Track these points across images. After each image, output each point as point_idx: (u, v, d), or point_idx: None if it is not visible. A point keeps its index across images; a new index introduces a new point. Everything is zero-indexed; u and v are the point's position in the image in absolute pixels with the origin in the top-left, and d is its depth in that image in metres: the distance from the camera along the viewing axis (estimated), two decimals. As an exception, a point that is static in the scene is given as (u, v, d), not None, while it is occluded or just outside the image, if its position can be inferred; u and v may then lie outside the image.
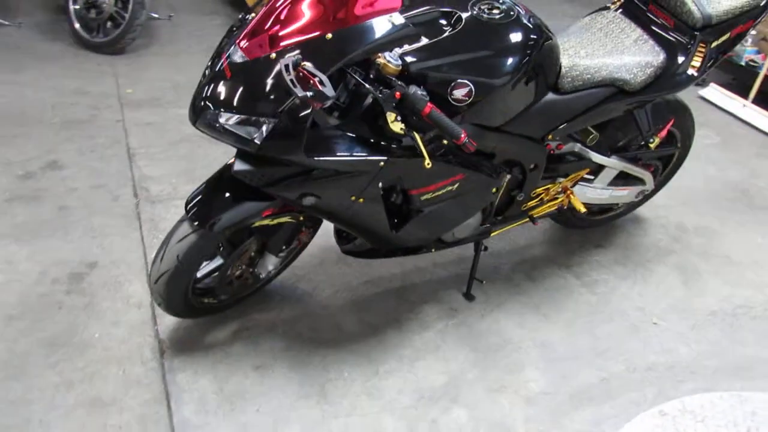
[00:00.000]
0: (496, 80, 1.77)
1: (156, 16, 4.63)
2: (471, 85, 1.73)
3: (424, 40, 1.76)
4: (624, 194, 2.53)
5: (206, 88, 1.63)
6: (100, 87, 3.75)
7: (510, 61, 1.79)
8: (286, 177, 1.69)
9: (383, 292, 2.44)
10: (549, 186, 2.31)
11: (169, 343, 2.14)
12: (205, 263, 2.08)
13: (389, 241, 2.05)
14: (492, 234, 2.34)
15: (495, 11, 1.84)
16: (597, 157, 2.30)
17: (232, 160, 1.71)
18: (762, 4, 2.15)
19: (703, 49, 2.10)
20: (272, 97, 1.54)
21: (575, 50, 2.09)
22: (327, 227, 2.17)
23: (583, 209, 2.32)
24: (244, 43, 1.61)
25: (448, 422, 1.97)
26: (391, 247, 2.14)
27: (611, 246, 2.77)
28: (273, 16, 1.59)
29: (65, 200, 2.77)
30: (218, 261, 2.05)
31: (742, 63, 4.14)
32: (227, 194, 1.81)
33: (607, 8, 2.33)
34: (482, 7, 1.84)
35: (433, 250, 2.22)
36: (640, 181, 2.52)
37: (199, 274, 2.07)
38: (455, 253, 2.59)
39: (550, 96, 1.99)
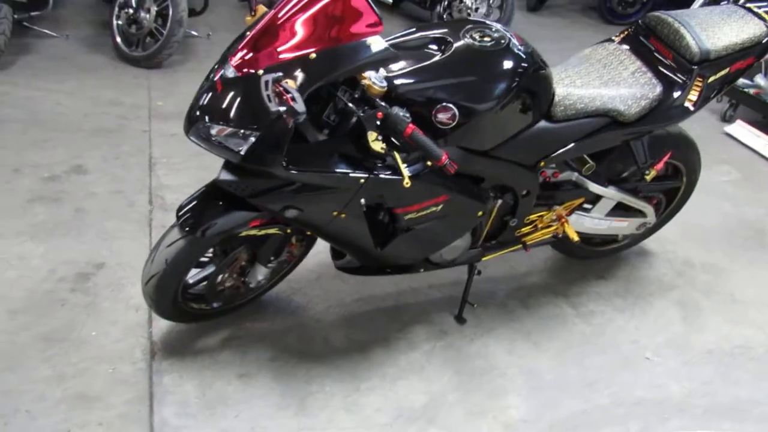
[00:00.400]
0: (480, 105, 1.80)
1: (195, 33, 4.81)
2: (455, 108, 1.78)
3: (412, 64, 1.82)
4: (624, 226, 2.51)
5: (199, 101, 1.72)
6: (133, 98, 3.91)
7: (495, 87, 1.82)
8: (269, 189, 1.76)
9: (375, 310, 2.47)
10: (543, 213, 2.32)
11: (161, 346, 2.21)
12: (198, 270, 2.15)
13: (375, 258, 2.09)
14: (484, 258, 2.35)
15: (486, 38, 1.88)
16: (594, 187, 2.30)
17: None
18: (764, 42, 2.13)
19: (700, 84, 2.09)
20: (256, 111, 1.61)
21: (571, 80, 2.11)
22: (325, 243, 2.21)
23: (576, 238, 2.32)
24: (235, 60, 1.69)
25: (422, 442, 1.98)
26: (379, 264, 2.18)
27: (613, 278, 2.74)
28: (263, 36, 1.67)
29: (83, 203, 2.89)
30: (210, 268, 2.12)
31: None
32: (217, 203, 1.88)
33: (611, 40, 2.34)
34: (474, 35, 1.89)
35: (422, 270, 2.25)
36: (640, 213, 2.50)
37: (191, 281, 2.15)
38: (451, 276, 2.60)
39: (543, 124, 2.02)
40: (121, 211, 2.88)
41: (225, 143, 1.66)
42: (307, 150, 1.74)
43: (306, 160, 1.70)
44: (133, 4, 4.22)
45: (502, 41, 1.88)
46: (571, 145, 2.09)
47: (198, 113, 1.70)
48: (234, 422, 1.98)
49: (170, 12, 4.11)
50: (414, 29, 1.99)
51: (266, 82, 1.51)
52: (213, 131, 1.67)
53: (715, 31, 2.12)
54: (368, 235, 1.96)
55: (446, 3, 5.13)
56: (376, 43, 1.60)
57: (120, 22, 4.34)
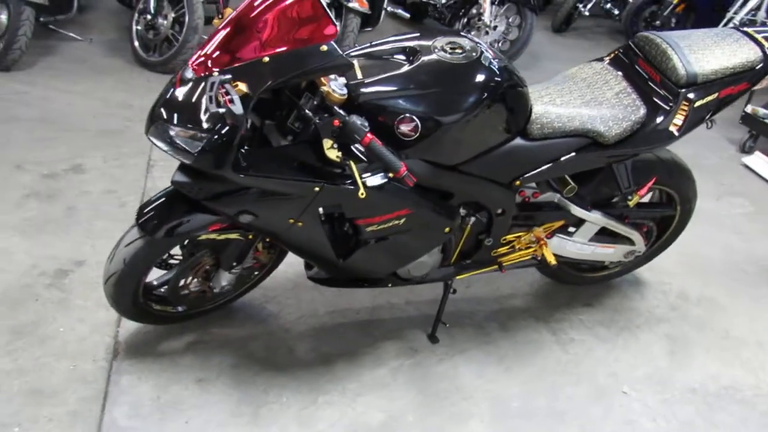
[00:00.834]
0: (444, 118, 1.76)
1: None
2: (417, 120, 1.74)
3: (377, 73, 1.79)
4: (609, 252, 2.42)
5: (159, 102, 1.71)
6: (143, 102, 3.97)
7: (460, 100, 1.78)
8: (224, 193, 1.74)
9: (348, 323, 2.42)
10: (521, 234, 2.24)
11: (125, 346, 2.20)
12: (164, 272, 2.15)
13: (339, 270, 2.05)
14: (459, 277, 2.29)
15: (457, 51, 1.84)
16: (576, 210, 2.22)
17: None
18: (758, 68, 2.04)
19: (686, 108, 2.01)
20: (208, 113, 1.59)
21: (551, 97, 2.05)
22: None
23: (554, 262, 2.23)
24: (194, 62, 1.69)
25: (371, 462, 1.92)
26: (345, 276, 2.14)
27: (600, 306, 2.64)
28: (222, 39, 1.66)
29: (76, 201, 2.93)
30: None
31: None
32: (178, 205, 1.88)
33: (600, 60, 2.27)
34: (445, 47, 1.85)
35: (390, 285, 2.20)
36: (627, 240, 2.40)
37: (156, 282, 2.15)
38: (431, 293, 2.54)
39: (518, 141, 1.96)
40: (112, 211, 2.90)
41: (180, 144, 1.65)
42: (264, 155, 1.72)
43: (260, 166, 1.68)
44: (152, 11, 4.30)
45: (473, 54, 1.83)
46: (548, 164, 2.02)
47: (157, 113, 1.70)
48: (182, 427, 1.95)
49: (186, 19, 4.17)
50: (390, 39, 1.96)
51: (212, 84, 1.49)
52: (172, 132, 1.67)
53: (705, 54, 2.04)
54: (328, 245, 1.92)
55: (465, 20, 5.10)
56: (329, 50, 1.57)
57: (139, 28, 4.43)
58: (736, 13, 5.17)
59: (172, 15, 4.27)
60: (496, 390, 2.20)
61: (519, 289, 2.70)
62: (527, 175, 2.03)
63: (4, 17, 4.04)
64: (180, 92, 1.67)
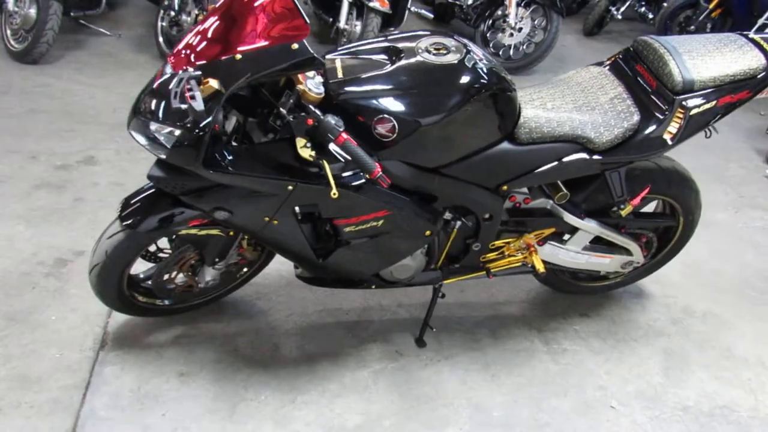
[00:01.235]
0: (421, 119, 1.73)
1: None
2: (394, 121, 1.71)
3: (356, 73, 1.78)
4: (605, 262, 2.35)
5: (140, 98, 1.73)
6: (162, 97, 4.03)
7: (438, 102, 1.75)
8: (199, 189, 1.75)
9: (335, 324, 2.41)
10: (511, 240, 2.20)
11: (113, 337, 2.24)
12: (153, 265, 2.17)
13: (319, 269, 2.04)
14: (447, 281, 2.26)
15: (442, 51, 1.81)
16: (569, 218, 2.17)
17: None
18: (760, 77, 1.95)
19: (681, 116, 1.93)
20: (173, 109, 1.60)
21: (542, 101, 2.00)
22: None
23: (542, 269, 2.18)
24: (173, 58, 1.70)
25: (342, 465, 1.90)
26: (328, 276, 2.13)
27: (598, 317, 2.57)
28: (199, 35, 1.67)
29: (84, 192, 2.99)
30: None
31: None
32: (159, 200, 1.89)
33: (600, 64, 2.21)
34: (429, 48, 1.82)
35: (374, 286, 2.18)
36: (624, 250, 2.33)
37: (142, 275, 2.17)
38: (424, 297, 2.50)
39: (505, 145, 1.92)
40: (116, 202, 2.94)
41: (156, 139, 1.66)
42: (239, 152, 1.72)
43: (233, 162, 1.68)
44: (176, 7, 4.37)
45: (457, 56, 1.80)
46: (536, 170, 1.98)
47: (138, 107, 1.71)
48: (159, 420, 1.97)
49: (207, 16, 4.22)
50: (377, 39, 1.94)
51: (179, 80, 1.50)
52: (152, 127, 1.68)
53: (705, 60, 1.96)
54: (306, 244, 1.92)
55: (490, 22, 5.04)
56: (300, 48, 1.56)
57: (163, 24, 4.50)
58: None
59: (195, 12, 4.33)
60: (478, 398, 2.16)
61: (515, 296, 2.64)
62: (514, 180, 1.99)
63: (33, 12, 4.15)
64: (158, 87, 1.69)
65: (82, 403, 1.99)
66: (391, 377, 2.21)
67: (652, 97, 1.99)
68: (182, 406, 2.03)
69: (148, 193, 1.93)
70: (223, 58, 1.60)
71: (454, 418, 2.08)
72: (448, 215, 2.05)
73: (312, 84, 1.68)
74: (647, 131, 1.96)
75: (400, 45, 1.85)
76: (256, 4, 1.61)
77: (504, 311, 2.56)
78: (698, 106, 1.93)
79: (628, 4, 5.89)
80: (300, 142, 1.69)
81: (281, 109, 1.66)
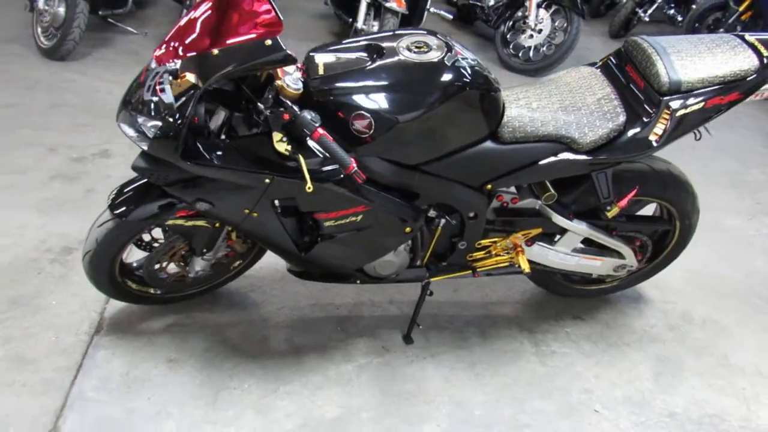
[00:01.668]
0: (397, 116, 1.75)
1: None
2: (371, 117, 1.74)
3: (336, 69, 1.80)
4: (596, 265, 2.33)
5: (128, 91, 1.80)
6: (182, 94, 4.13)
7: (414, 100, 1.76)
8: (181, 180, 1.80)
9: (326, 318, 2.44)
10: (498, 239, 2.20)
11: (108, 323, 2.31)
12: (147, 254, 2.24)
13: (303, 262, 2.08)
14: (434, 279, 2.27)
15: (423, 50, 1.83)
16: (557, 219, 2.16)
17: None
18: (750, 79, 1.91)
19: (667, 117, 1.90)
20: (160, 102, 1.66)
21: (527, 101, 2.00)
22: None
23: (527, 269, 2.18)
24: (157, 52, 1.76)
25: (316, 455, 1.93)
26: (314, 270, 2.17)
27: (592, 320, 2.54)
28: (181, 31, 1.72)
29: (96, 184, 3.09)
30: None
31: None
32: (148, 191, 1.95)
33: (593, 64, 2.19)
34: (410, 46, 1.84)
35: (358, 281, 2.20)
36: (616, 253, 2.31)
37: (135, 263, 2.24)
38: (417, 294, 2.50)
39: (488, 144, 1.92)
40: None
41: (140, 131, 1.72)
42: (219, 145, 1.76)
43: (212, 155, 1.72)
44: (197, 7, 4.46)
45: (437, 54, 1.81)
46: (520, 169, 1.97)
47: (125, 100, 1.78)
48: (143, 403, 2.03)
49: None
50: (361, 37, 1.96)
51: (155, 74, 1.55)
52: (140, 119, 1.74)
53: (693, 61, 1.93)
54: (286, 237, 1.95)
55: (511, 23, 5.01)
56: (273, 44, 1.60)
57: (186, 23, 4.60)
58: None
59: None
60: (460, 396, 2.17)
61: (509, 296, 2.64)
62: (498, 179, 1.99)
63: (62, 10, 4.30)
64: (143, 81, 1.75)
65: (72, 385, 2.07)
66: (375, 372, 2.23)
67: (640, 97, 1.97)
68: (168, 391, 2.08)
69: (138, 183, 1.99)
70: (201, 53, 1.65)
71: (434, 415, 2.09)
72: (432, 213, 2.07)
73: (290, 80, 1.71)
74: (633, 132, 1.94)
75: (383, 43, 1.87)
76: (233, 1, 1.65)
77: (496, 311, 2.56)
78: (685, 108, 1.90)
79: (656, 6, 5.79)
80: (276, 136, 1.73)
81: (259, 103, 1.70)
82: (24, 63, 4.37)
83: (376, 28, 4.54)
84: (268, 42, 1.60)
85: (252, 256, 2.36)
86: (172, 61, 1.69)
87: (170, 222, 2.01)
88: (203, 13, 1.71)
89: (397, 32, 1.93)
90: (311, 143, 1.72)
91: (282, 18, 1.61)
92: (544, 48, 4.92)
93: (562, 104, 1.99)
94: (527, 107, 1.97)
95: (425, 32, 1.92)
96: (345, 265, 2.10)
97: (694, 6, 5.63)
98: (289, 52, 1.60)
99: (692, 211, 2.31)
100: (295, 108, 1.66)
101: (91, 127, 3.60)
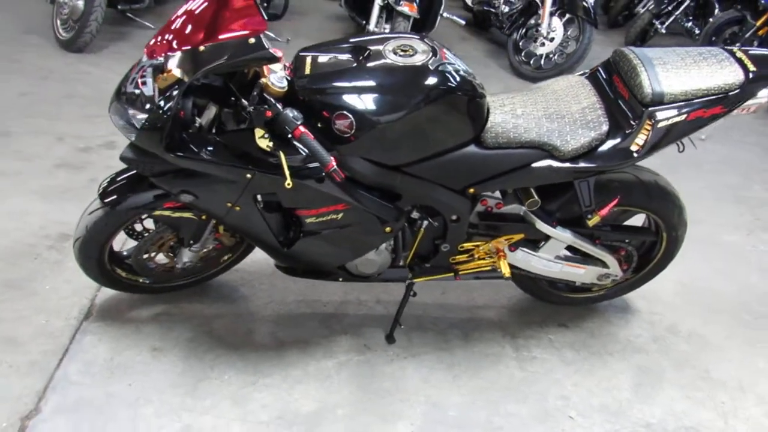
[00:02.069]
0: (378, 118, 1.78)
1: (273, 36, 5.07)
2: (352, 117, 1.77)
3: (321, 69, 1.84)
4: (579, 273, 2.33)
5: (120, 83, 1.85)
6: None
7: (395, 101, 1.79)
8: (166, 171, 1.85)
9: (312, 314, 2.48)
10: (480, 243, 2.22)
11: (98, 309, 2.37)
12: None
13: (285, 257, 2.12)
14: (417, 280, 2.29)
15: (409, 53, 1.86)
16: (541, 225, 2.17)
17: None
18: (732, 93, 1.91)
19: (649, 128, 1.91)
20: (141, 95, 1.71)
21: (512, 107, 2.02)
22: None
23: (508, 274, 2.19)
24: (149, 47, 1.81)
25: (288, 447, 1.97)
26: (298, 266, 2.20)
27: (576, 328, 2.54)
28: (172, 26, 1.77)
29: (99, 174, 3.16)
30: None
31: None
32: (138, 181, 2.01)
33: (583, 73, 2.21)
34: (396, 49, 1.87)
35: (341, 279, 2.24)
36: (600, 262, 2.31)
37: (126, 252, 2.30)
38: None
39: (471, 149, 1.95)
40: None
41: (129, 122, 1.78)
42: (204, 138, 1.81)
43: (198, 149, 1.77)
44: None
45: (421, 58, 1.84)
46: (502, 174, 1.99)
47: (116, 95, 1.83)
48: (124, 389, 2.08)
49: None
50: (350, 38, 2.00)
51: (140, 68, 1.60)
52: (130, 111, 1.80)
53: (678, 74, 1.93)
54: (269, 232, 2.00)
55: (524, 31, 5.02)
56: (256, 42, 1.64)
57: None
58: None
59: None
60: (437, 396, 2.19)
61: (495, 301, 2.65)
62: (481, 183, 2.01)
63: (80, 3, 4.41)
64: (134, 76, 1.80)
65: (57, 367, 2.13)
66: (355, 369, 2.26)
67: (623, 107, 1.98)
68: (149, 378, 2.13)
69: (129, 174, 2.05)
70: (188, 49, 1.70)
71: (408, 414, 2.12)
72: (415, 214, 2.10)
73: (275, 78, 1.75)
74: (614, 142, 1.95)
75: (370, 45, 1.90)
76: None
77: (481, 315, 2.57)
78: (667, 119, 1.90)
79: (673, 18, 5.75)
80: (258, 132, 1.77)
81: (243, 100, 1.74)
82: (41, 53, 4.48)
83: (387, 31, 4.57)
84: (252, 40, 1.65)
85: (241, 250, 2.41)
86: (157, 56, 1.74)
87: (158, 213, 2.06)
88: (193, 10, 1.76)
89: (386, 35, 1.97)
90: (293, 140, 1.76)
91: (266, 18, 1.65)
92: (556, 56, 4.92)
93: (546, 112, 2.01)
94: (512, 113, 1.99)
95: (416, 37, 1.95)
96: (326, 262, 2.14)
97: (711, 19, 5.58)
98: (271, 50, 1.65)
99: (679, 223, 2.31)
100: (278, 106, 1.70)
101: (100, 119, 3.67)
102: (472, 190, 2.03)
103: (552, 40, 4.86)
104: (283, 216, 2.04)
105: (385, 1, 4.51)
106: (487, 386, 2.25)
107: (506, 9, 5.22)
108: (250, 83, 1.83)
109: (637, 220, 2.42)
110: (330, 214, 1.94)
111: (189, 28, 1.74)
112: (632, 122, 1.94)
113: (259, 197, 1.92)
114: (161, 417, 2.01)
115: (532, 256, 2.27)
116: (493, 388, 2.25)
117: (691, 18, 5.94)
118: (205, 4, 1.73)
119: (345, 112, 1.77)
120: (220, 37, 1.67)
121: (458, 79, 1.85)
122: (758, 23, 5.20)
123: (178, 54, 1.70)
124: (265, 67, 1.75)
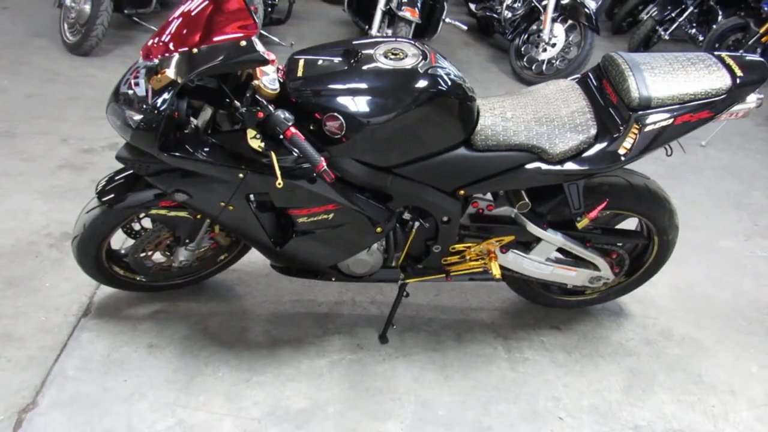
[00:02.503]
0: (367, 119, 1.81)
1: (277, 40, 5.15)
2: (342, 119, 1.80)
3: (313, 72, 1.88)
4: (570, 275, 2.36)
5: (117, 85, 1.90)
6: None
7: (384, 104, 1.82)
8: (160, 171, 1.89)
9: (306, 314, 2.51)
10: (471, 245, 2.24)
11: (96, 306, 2.41)
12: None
13: (278, 257, 2.15)
14: (409, 281, 2.32)
15: (400, 57, 1.89)
16: (531, 227, 2.19)
17: None
18: (719, 98, 1.93)
19: (636, 132, 1.93)
20: (134, 95, 1.76)
21: (502, 111, 2.04)
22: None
23: (498, 275, 2.22)
24: (145, 49, 1.85)
25: (279, 443, 2.00)
26: (291, 265, 2.24)
27: (569, 331, 2.56)
28: (167, 29, 1.81)
29: (101, 175, 3.14)
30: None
31: None
32: (134, 180, 2.05)
33: (574, 78, 2.23)
34: (387, 53, 1.90)
35: (333, 279, 2.27)
36: (591, 265, 2.33)
37: (123, 250, 2.34)
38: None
39: (461, 151, 1.98)
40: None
41: (125, 122, 1.82)
42: (198, 139, 1.85)
43: (192, 149, 1.81)
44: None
45: (411, 61, 1.87)
46: (491, 177, 2.02)
47: (113, 96, 1.88)
48: (119, 384, 2.12)
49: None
50: (343, 41, 2.04)
51: (135, 68, 1.65)
52: (126, 112, 1.84)
53: (666, 78, 1.96)
54: (262, 231, 2.03)
55: (526, 36, 5.05)
56: (247, 45, 1.68)
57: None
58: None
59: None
60: (427, 396, 2.21)
61: (489, 303, 2.68)
62: (471, 185, 2.04)
63: (87, 7, 4.48)
64: (131, 77, 1.85)
65: (55, 363, 2.17)
66: (347, 368, 2.29)
67: (611, 112, 2.00)
68: (144, 374, 2.17)
69: (126, 173, 2.09)
70: (181, 51, 1.74)
71: (398, 412, 2.14)
72: (407, 215, 2.13)
73: (267, 80, 1.79)
74: (602, 145, 1.97)
75: (362, 49, 1.94)
76: (214, 2, 1.74)
77: (474, 316, 2.60)
78: (653, 123, 1.93)
79: (676, 24, 5.77)
80: (250, 133, 1.81)
81: (236, 101, 1.78)
82: (48, 56, 4.55)
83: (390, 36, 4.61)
84: (243, 43, 1.69)
85: (237, 250, 2.44)
86: (153, 58, 1.78)
87: (153, 212, 2.10)
88: (188, 12, 1.80)
89: (378, 39, 2.00)
90: (285, 141, 1.79)
91: (258, 21, 1.69)
92: (557, 62, 4.95)
93: (536, 115, 2.03)
94: (501, 116, 2.02)
95: (408, 42, 1.98)
96: (318, 262, 2.17)
97: (714, 26, 5.59)
98: (262, 53, 1.69)
99: (670, 226, 2.33)
100: (270, 107, 1.74)
101: (104, 121, 3.65)
102: (462, 192, 2.06)
103: (554, 45, 4.89)
104: (275, 216, 2.08)
105: (388, 6, 4.55)
106: (477, 386, 2.27)
107: (509, 15, 5.25)
108: (244, 85, 1.87)
109: (631, 224, 2.44)
110: (321, 214, 1.97)
111: (184, 30, 1.77)
112: (620, 126, 1.96)
113: (251, 197, 1.96)
114: (155, 412, 2.04)
115: (523, 258, 2.29)
116: (483, 388, 2.27)
117: (694, 25, 5.95)
118: (200, 7, 1.77)
119: (335, 113, 1.81)
120: (215, 39, 1.71)
121: (448, 82, 1.88)
122: (761, 30, 5.21)
123: (172, 56, 1.73)
124: (258, 70, 1.79)
